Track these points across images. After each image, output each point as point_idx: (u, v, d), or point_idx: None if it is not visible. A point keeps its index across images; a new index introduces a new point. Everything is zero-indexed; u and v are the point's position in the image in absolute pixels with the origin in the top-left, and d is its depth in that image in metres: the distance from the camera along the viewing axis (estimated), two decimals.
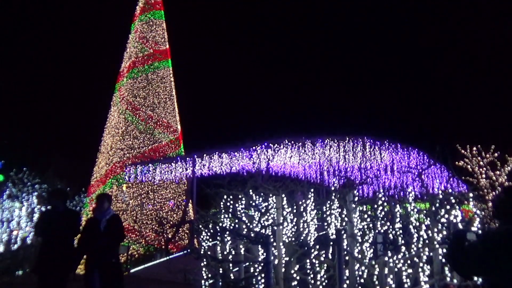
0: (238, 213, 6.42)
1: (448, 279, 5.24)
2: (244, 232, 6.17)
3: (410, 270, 5.28)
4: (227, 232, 6.46)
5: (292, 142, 13.74)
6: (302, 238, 6.05)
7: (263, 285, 5.38)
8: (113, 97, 19.80)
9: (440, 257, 5.31)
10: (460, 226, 5.20)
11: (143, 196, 17.13)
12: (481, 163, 16.02)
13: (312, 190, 6.26)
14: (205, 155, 14.43)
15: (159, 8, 21.04)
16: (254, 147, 13.58)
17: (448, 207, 5.29)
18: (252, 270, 6.08)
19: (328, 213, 6.14)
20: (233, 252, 6.59)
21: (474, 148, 16.22)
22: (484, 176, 15.88)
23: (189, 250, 6.79)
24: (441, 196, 5.50)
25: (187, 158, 15.12)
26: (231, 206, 6.49)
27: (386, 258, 5.40)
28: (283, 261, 5.80)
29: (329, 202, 6.19)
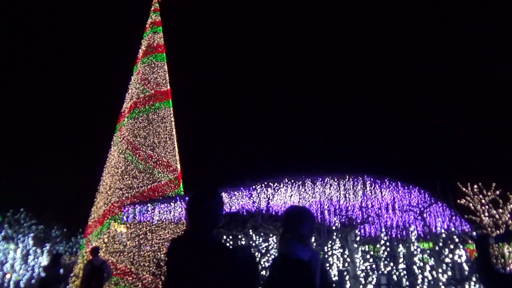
0: None
1: None
2: None
3: None
4: None
5: (292, 181, 13.68)
6: None
7: None
8: (113, 137, 19.96)
9: None
10: (465, 266, 5.08)
11: (141, 237, 16.81)
12: (483, 201, 15.87)
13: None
14: None
15: (161, 51, 21.70)
16: (253, 186, 13.49)
17: (452, 246, 5.19)
18: None
19: (329, 253, 6.02)
20: None
21: (475, 186, 16.12)
22: (487, 214, 15.69)
23: None
24: (444, 235, 5.41)
25: (187, 198, 14.99)
26: (230, 247, 6.36)
27: None
28: None
29: (330, 242, 6.08)
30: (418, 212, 11.03)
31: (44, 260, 14.46)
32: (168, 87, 20.95)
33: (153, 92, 20.07)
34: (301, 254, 2.67)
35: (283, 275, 2.62)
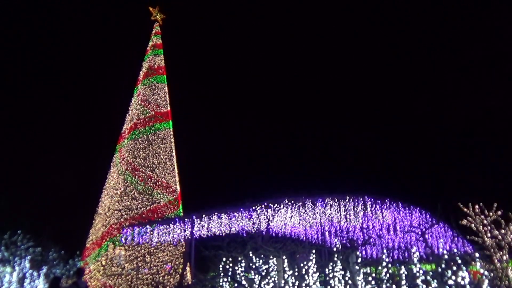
0: (238, 276, 6.20)
1: None
2: None
3: None
4: None
5: (292, 201, 13.61)
6: None
7: None
8: (113, 158, 19.96)
9: None
10: None
11: (139, 259, 16.58)
12: (485, 221, 15.72)
13: (313, 251, 6.10)
14: (204, 215, 14.21)
15: (161, 73, 21.97)
16: (253, 207, 13.41)
17: (454, 268, 5.12)
18: None
19: (331, 275, 5.93)
20: None
21: (477, 206, 16.00)
22: (489, 235, 15.51)
23: None
24: (446, 257, 5.35)
25: (186, 219, 14.86)
26: (230, 269, 6.28)
27: None
28: None
29: (331, 263, 6.00)
30: (419, 233, 10.94)
31: (40, 284, 14.20)
32: (169, 108, 21.11)
33: (153, 113, 20.21)
34: None
35: None
